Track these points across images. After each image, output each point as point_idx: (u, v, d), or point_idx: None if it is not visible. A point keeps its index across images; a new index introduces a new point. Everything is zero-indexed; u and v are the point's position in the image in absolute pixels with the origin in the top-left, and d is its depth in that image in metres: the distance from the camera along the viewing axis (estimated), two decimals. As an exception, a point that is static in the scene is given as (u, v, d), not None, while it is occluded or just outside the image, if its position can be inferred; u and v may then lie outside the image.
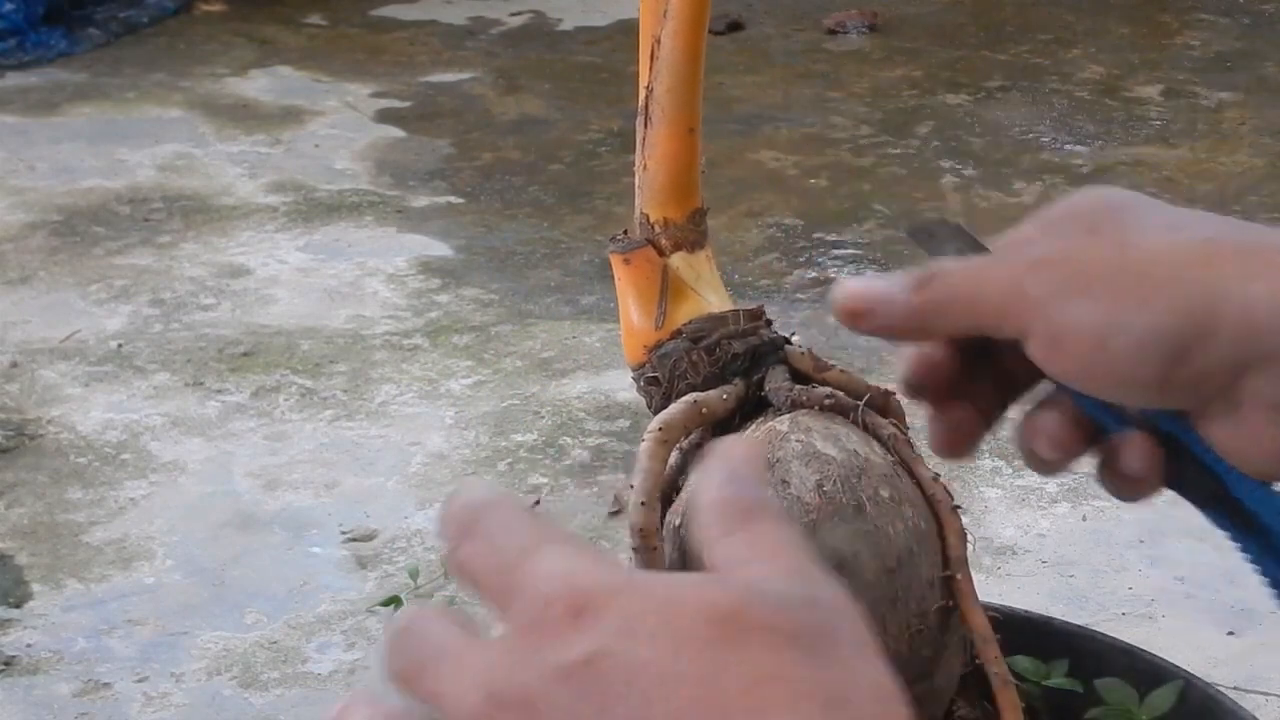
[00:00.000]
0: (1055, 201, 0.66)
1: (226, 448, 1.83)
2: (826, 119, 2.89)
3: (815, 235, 2.40)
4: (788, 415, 0.77)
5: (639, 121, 0.78)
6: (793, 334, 0.84)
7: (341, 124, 2.90)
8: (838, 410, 0.78)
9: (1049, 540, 1.67)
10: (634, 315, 0.80)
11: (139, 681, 1.44)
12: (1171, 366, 0.58)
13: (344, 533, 1.68)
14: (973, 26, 3.39)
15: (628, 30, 3.45)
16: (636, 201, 0.80)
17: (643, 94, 0.78)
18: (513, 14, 3.57)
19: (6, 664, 1.46)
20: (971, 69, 3.13)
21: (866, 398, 0.78)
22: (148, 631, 1.51)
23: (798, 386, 0.79)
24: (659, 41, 0.76)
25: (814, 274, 2.28)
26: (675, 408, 0.76)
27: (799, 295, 2.21)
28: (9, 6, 3.24)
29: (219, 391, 1.95)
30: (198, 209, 2.51)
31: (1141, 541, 1.65)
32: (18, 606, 1.54)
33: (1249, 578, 0.60)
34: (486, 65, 3.18)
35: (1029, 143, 2.76)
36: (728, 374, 0.79)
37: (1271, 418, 0.59)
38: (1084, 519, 1.70)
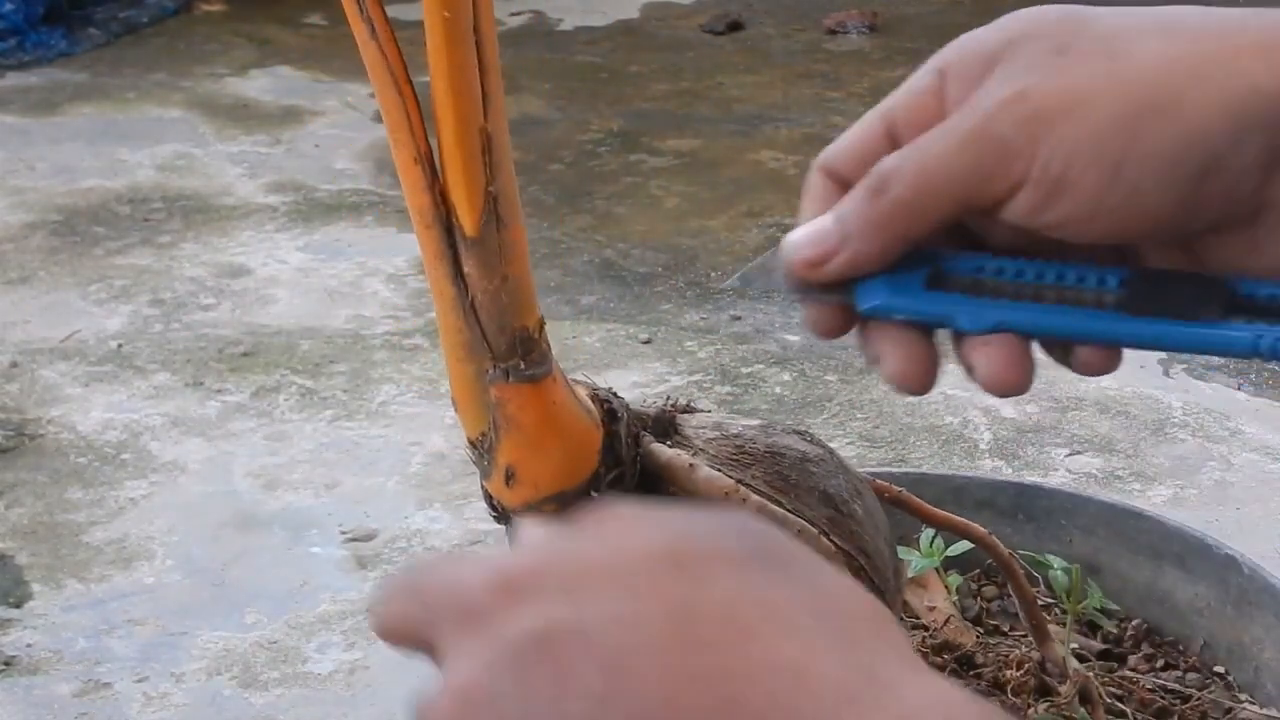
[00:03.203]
0: (975, 34, 0.57)
1: (226, 448, 1.83)
2: (826, 119, 2.89)
3: (815, 235, 2.40)
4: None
5: (482, 230, 0.65)
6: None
7: (341, 124, 2.90)
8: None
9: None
10: (574, 431, 0.71)
11: (139, 681, 1.44)
12: (1200, 182, 0.52)
13: (344, 533, 1.68)
14: (973, 26, 3.38)
15: (628, 30, 3.45)
16: (494, 324, 0.66)
17: (481, 200, 0.64)
18: (513, 14, 3.57)
19: (6, 664, 1.46)
20: (971, 69, 3.13)
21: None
22: (148, 631, 1.51)
23: (698, 416, 0.77)
24: (489, 133, 0.64)
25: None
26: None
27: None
28: (9, 6, 3.24)
29: (219, 391, 1.95)
30: (198, 209, 2.51)
31: (1141, 541, 1.66)
32: (18, 606, 1.54)
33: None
34: (486, 65, 3.18)
35: (1029, 143, 2.76)
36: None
37: None
38: (1084, 519, 1.70)
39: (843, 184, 0.57)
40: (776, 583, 0.44)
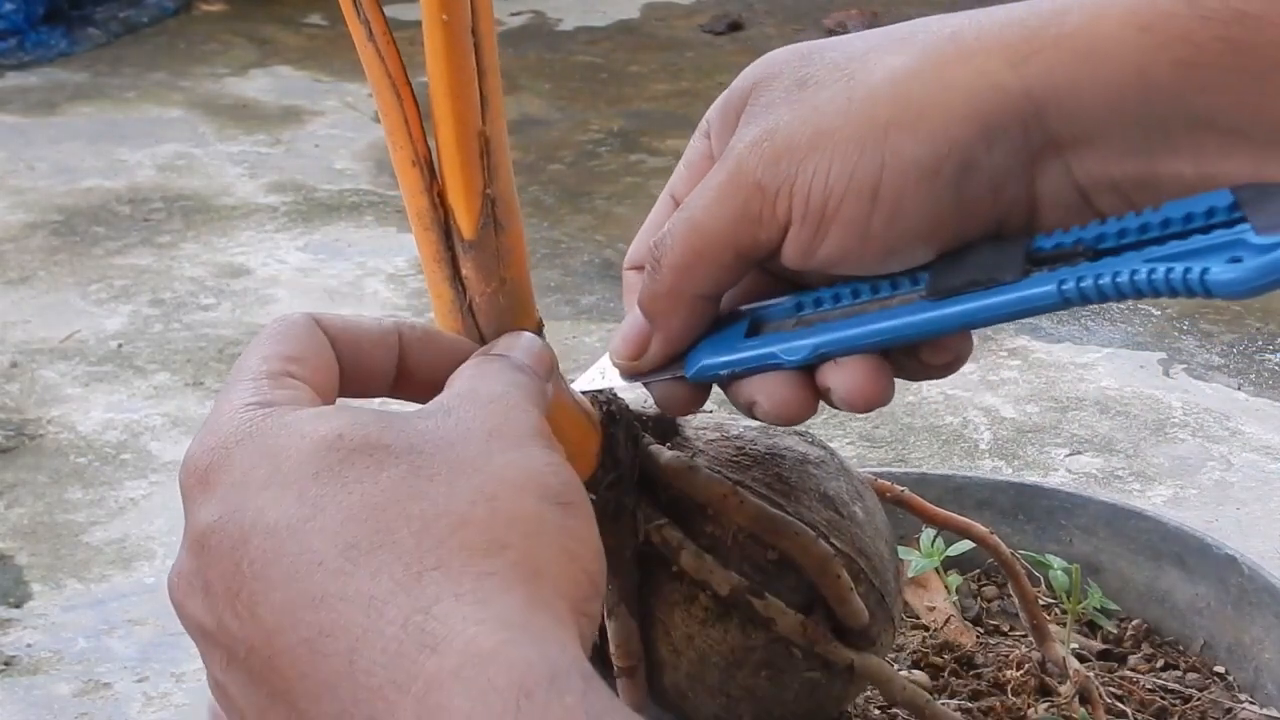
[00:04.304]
0: (730, 87, 0.56)
1: (226, 448, 1.83)
2: (826, 119, 2.88)
3: (815, 235, 2.40)
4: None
5: (480, 233, 0.62)
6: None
7: (341, 124, 2.90)
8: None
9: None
10: (572, 433, 0.66)
11: (139, 681, 1.44)
12: (961, 190, 0.50)
13: (344, 533, 1.68)
14: (973, 26, 3.38)
15: (628, 30, 3.45)
16: (493, 328, 0.62)
17: (479, 203, 0.62)
18: (513, 14, 3.57)
19: (6, 664, 1.46)
20: (972, 69, 3.13)
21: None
22: (148, 631, 1.51)
23: (699, 416, 0.77)
24: (488, 136, 0.61)
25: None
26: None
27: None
28: (9, 6, 3.24)
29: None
30: (198, 209, 2.51)
31: (1141, 541, 1.66)
32: (18, 606, 1.54)
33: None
34: (486, 65, 3.17)
35: (1029, 142, 2.76)
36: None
37: (1073, 211, 0.52)
38: (1084, 519, 1.70)
39: None
40: (410, 482, 0.44)
